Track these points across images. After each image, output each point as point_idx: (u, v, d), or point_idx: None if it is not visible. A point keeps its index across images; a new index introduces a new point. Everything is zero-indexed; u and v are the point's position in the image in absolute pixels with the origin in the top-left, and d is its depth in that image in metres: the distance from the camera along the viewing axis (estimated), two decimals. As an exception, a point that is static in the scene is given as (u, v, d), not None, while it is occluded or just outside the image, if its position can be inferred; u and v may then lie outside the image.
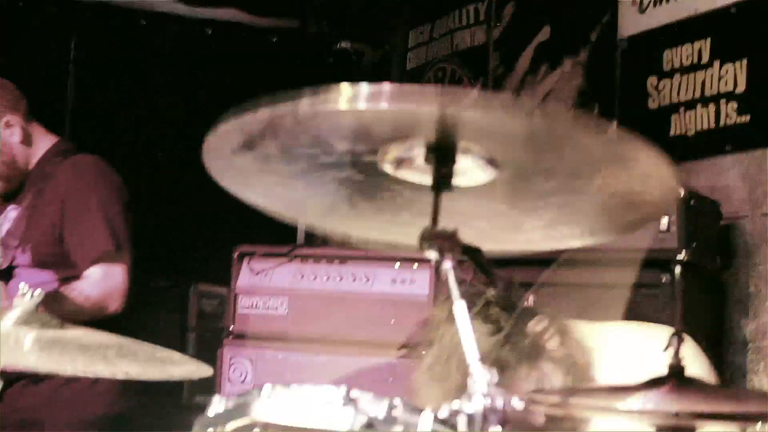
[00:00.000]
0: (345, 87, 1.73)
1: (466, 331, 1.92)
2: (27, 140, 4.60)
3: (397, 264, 5.01)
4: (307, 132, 1.92)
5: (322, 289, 5.27)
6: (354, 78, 6.94)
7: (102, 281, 4.36)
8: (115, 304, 4.35)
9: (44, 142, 4.63)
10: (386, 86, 1.76)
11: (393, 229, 2.29)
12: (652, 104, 5.14)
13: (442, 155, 1.98)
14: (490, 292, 2.62)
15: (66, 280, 4.40)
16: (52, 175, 4.51)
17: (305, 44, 7.00)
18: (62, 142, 4.69)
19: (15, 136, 4.56)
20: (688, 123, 4.95)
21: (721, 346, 4.61)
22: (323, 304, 5.26)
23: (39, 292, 3.03)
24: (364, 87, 1.74)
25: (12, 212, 4.66)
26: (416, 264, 4.97)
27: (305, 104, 1.78)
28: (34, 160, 4.63)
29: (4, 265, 4.51)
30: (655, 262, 4.24)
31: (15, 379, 4.13)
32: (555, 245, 2.61)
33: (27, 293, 3.06)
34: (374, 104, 1.80)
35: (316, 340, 5.24)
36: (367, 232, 2.40)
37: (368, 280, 5.14)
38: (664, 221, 4.26)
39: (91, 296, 4.33)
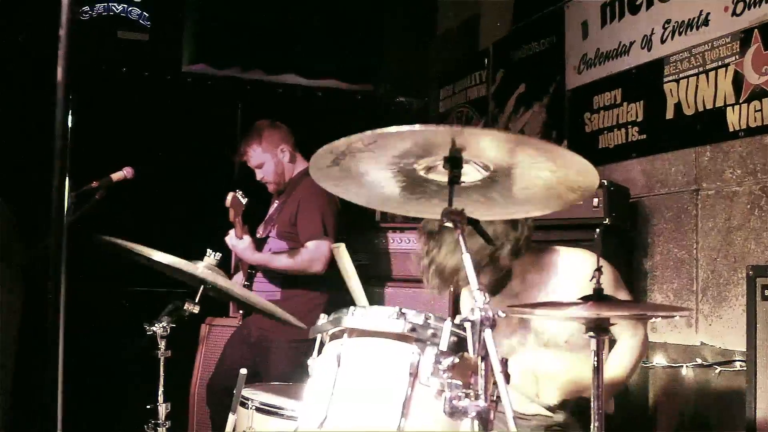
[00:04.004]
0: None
1: (471, 272, 1.92)
2: (292, 160, 4.78)
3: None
4: (371, 152, 1.93)
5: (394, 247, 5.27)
6: (407, 120, 7.00)
7: (313, 250, 4.44)
8: (318, 267, 4.46)
9: (301, 164, 4.79)
10: (417, 126, 1.79)
11: (428, 210, 2.28)
12: (588, 129, 5.09)
13: (454, 163, 1.99)
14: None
15: (294, 248, 4.52)
16: (299, 185, 4.64)
17: (377, 100, 6.97)
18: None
19: (285, 157, 4.75)
20: (609, 140, 4.90)
21: (632, 275, 4.56)
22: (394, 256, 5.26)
23: (217, 254, 3.07)
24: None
25: (275, 204, 4.84)
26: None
27: (368, 135, 1.80)
28: (293, 174, 4.78)
29: (264, 235, 4.70)
30: (591, 225, 4.23)
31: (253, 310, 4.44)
32: (524, 214, 2.62)
33: (212, 255, 3.09)
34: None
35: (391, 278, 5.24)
36: (415, 211, 2.40)
37: (417, 241, 5.12)
38: (595, 201, 4.23)
39: (305, 259, 4.46)
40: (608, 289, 2.62)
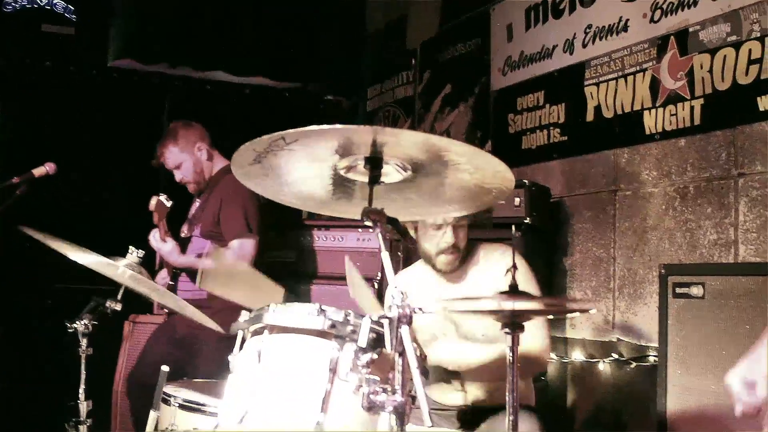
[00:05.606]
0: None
1: (389, 270, 1.95)
2: (210, 159, 4.71)
3: (360, 229, 5.02)
4: (293, 150, 1.95)
5: (321, 245, 5.27)
6: (336, 117, 7.06)
7: (237, 249, 4.39)
8: (244, 265, 4.38)
9: (220, 162, 4.73)
10: (338, 125, 1.81)
11: (348, 209, 2.29)
12: (511, 130, 5.18)
13: (374, 163, 2.01)
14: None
15: (218, 246, 4.45)
16: (219, 183, 4.57)
17: (306, 97, 6.97)
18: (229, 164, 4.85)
19: (203, 155, 4.68)
20: (532, 141, 4.99)
21: (551, 273, 4.67)
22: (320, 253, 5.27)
23: (140, 251, 3.06)
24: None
25: (197, 203, 4.76)
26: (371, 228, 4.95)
27: (289, 133, 1.82)
28: (212, 172, 4.71)
29: (188, 235, 4.63)
30: (513, 223, 4.25)
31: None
32: (442, 215, 2.67)
33: (134, 252, 3.07)
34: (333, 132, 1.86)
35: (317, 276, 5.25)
36: (336, 211, 2.41)
37: (342, 239, 5.15)
38: (517, 200, 4.32)
39: (230, 258, 4.37)
40: (523, 283, 2.69)
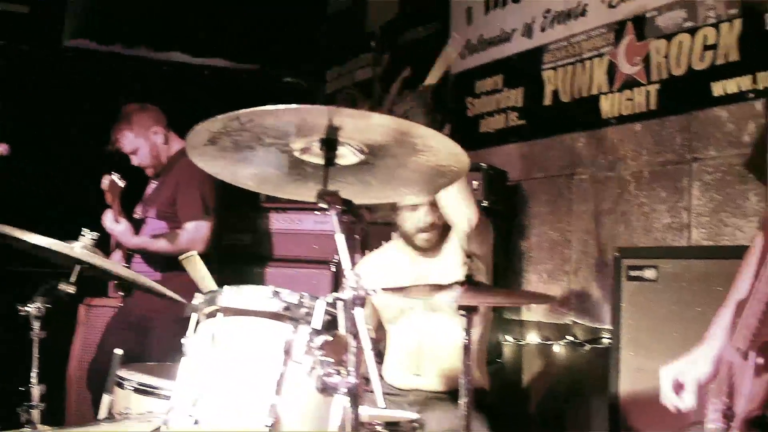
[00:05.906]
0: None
1: (344, 252, 1.94)
2: (166, 142, 4.70)
3: (317, 212, 5.00)
4: (248, 131, 1.93)
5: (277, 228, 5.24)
6: (293, 100, 6.95)
7: (192, 231, 4.39)
8: (199, 248, 4.34)
9: (176, 144, 4.71)
10: (294, 105, 1.79)
11: (303, 192, 2.27)
12: (470, 113, 5.19)
13: (330, 145, 2.00)
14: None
15: (173, 228, 4.46)
16: (176, 165, 4.56)
17: (264, 79, 6.92)
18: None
19: (159, 139, 4.68)
20: (490, 124, 5.01)
21: (508, 256, 4.69)
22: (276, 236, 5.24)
23: (94, 234, 3.02)
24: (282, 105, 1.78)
25: (153, 185, 4.76)
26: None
27: (244, 112, 1.80)
28: (169, 154, 4.70)
29: (142, 216, 4.63)
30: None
31: (131, 289, 4.36)
32: (398, 198, 2.67)
33: (88, 234, 3.04)
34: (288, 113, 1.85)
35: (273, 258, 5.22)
36: (292, 194, 2.39)
37: (300, 221, 5.13)
38: (474, 183, 4.33)
39: (184, 239, 4.38)
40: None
